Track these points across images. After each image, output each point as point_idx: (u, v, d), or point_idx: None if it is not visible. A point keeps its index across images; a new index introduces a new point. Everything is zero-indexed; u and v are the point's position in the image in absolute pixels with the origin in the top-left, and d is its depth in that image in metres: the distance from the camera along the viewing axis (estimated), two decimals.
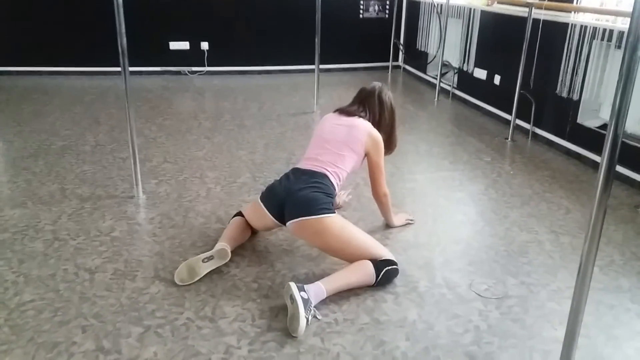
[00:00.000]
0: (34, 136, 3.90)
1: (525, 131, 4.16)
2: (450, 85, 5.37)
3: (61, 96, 5.10)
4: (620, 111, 1.32)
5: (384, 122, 2.55)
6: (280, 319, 1.92)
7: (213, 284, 2.14)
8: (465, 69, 5.10)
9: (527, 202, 2.95)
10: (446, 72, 5.49)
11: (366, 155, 2.42)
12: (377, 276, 2.07)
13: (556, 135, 3.86)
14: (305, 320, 1.83)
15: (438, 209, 2.88)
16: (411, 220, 2.68)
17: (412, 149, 3.86)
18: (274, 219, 2.24)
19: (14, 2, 5.63)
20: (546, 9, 3.75)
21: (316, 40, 4.53)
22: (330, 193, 2.22)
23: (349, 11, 6.39)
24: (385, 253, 2.15)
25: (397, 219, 2.64)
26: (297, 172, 2.32)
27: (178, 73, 6.16)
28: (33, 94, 5.15)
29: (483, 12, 4.75)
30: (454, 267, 2.30)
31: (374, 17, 6.48)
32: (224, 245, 2.21)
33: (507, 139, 4.07)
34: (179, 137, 3.98)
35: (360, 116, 2.47)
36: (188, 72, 6.17)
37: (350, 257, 2.12)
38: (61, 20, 5.71)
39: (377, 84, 2.60)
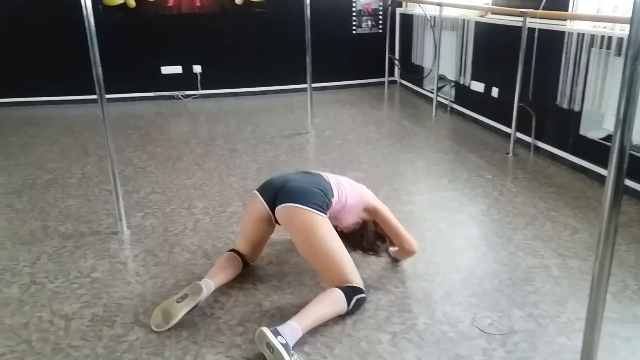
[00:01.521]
0: (20, 170, 3.78)
1: (526, 145, 4.01)
2: (447, 99, 5.24)
3: (51, 126, 5.01)
4: (625, 121, 1.21)
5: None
6: None
7: (195, 328, 2.00)
8: (462, 82, 4.97)
9: (532, 223, 2.80)
10: (443, 86, 5.37)
11: (374, 212, 2.34)
12: (348, 304, 1.98)
13: (559, 148, 3.71)
14: None
15: (437, 233, 2.73)
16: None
17: (409, 168, 3.73)
18: (266, 207, 2.16)
19: (2, 32, 5.56)
20: (541, 17, 3.62)
21: (307, 59, 4.42)
22: (327, 196, 2.13)
23: (342, 28, 6.30)
24: (356, 279, 2.06)
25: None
26: (298, 172, 2.34)
27: (171, 97, 6.07)
28: (23, 125, 5.06)
29: (477, 23, 4.64)
30: (455, 299, 2.14)
31: (368, 33, 6.38)
32: (202, 281, 2.07)
33: (508, 153, 3.92)
34: (169, 165, 3.85)
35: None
36: (181, 96, 6.07)
37: (324, 268, 2.05)
38: (51, 49, 5.64)
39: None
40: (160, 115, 5.47)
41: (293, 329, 1.82)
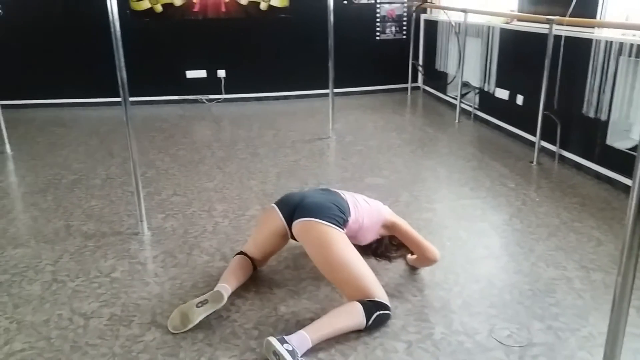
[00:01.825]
0: (46, 170, 3.87)
1: (551, 154, 3.94)
2: (471, 106, 5.19)
3: (78, 128, 5.11)
4: None
5: None
6: None
7: (211, 330, 2.00)
8: (486, 89, 4.91)
9: (555, 233, 2.74)
10: (467, 93, 5.32)
11: (392, 227, 2.33)
12: (368, 320, 1.91)
13: (585, 157, 3.63)
14: None
15: (457, 242, 2.69)
16: None
17: (430, 175, 3.69)
18: (284, 221, 2.16)
19: (33, 34, 5.71)
20: (568, 24, 3.56)
21: (329, 64, 4.43)
22: (344, 212, 2.13)
23: (365, 34, 6.29)
24: (379, 294, 1.98)
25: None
26: (315, 189, 2.36)
27: (195, 101, 6.14)
28: (51, 126, 5.18)
29: (502, 30, 4.58)
30: (473, 310, 2.11)
31: (391, 39, 6.36)
32: (220, 287, 2.08)
33: (532, 162, 3.85)
34: (191, 168, 3.89)
35: None
36: (205, 100, 6.14)
37: (343, 283, 1.99)
38: (80, 52, 5.76)
39: None
40: (184, 118, 5.53)
41: (302, 338, 1.81)
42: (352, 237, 2.19)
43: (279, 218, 2.18)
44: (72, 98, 5.97)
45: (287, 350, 1.71)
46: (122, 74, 2.61)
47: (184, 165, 3.95)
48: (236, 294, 2.22)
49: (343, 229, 2.09)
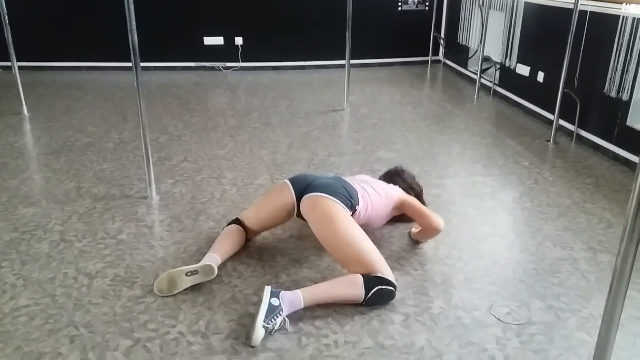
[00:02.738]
0: (61, 132, 3.91)
1: (569, 133, 3.85)
2: (491, 82, 5.07)
3: (95, 92, 5.14)
4: None
5: (415, 191, 2.59)
6: (275, 338, 1.78)
7: (212, 294, 2.03)
8: (507, 64, 4.79)
9: (565, 214, 2.69)
10: (488, 68, 5.19)
11: (402, 205, 2.36)
12: (367, 294, 1.89)
13: (603, 138, 3.54)
14: (263, 329, 1.71)
15: (464, 218, 2.66)
16: None
17: (443, 150, 3.64)
18: (294, 198, 2.18)
19: None
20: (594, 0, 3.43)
21: (347, 34, 4.35)
22: (352, 199, 2.14)
23: (387, 3, 6.15)
24: (384, 270, 1.96)
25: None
26: (329, 175, 2.37)
27: (212, 69, 6.11)
28: (68, 89, 5.22)
29: (527, 4, 4.43)
30: (474, 286, 2.09)
31: (413, 10, 6.22)
32: (211, 258, 2.10)
33: (549, 141, 3.77)
34: (204, 135, 3.90)
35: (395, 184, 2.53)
36: (222, 67, 6.11)
37: (347, 258, 1.99)
38: (99, 15, 5.75)
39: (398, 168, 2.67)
40: (200, 85, 5.52)
41: (295, 297, 1.84)
42: (364, 225, 2.19)
43: (290, 194, 2.20)
44: (91, 62, 5.99)
45: (270, 304, 1.75)
46: (134, 37, 2.59)
47: (196, 132, 3.96)
48: (239, 260, 2.25)
49: (349, 211, 2.10)
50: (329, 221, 2.03)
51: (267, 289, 1.82)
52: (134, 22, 2.57)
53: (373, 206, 2.24)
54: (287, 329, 1.79)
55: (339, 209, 2.05)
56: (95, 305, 1.97)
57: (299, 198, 2.17)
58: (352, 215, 2.13)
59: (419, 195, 2.53)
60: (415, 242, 2.42)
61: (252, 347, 1.72)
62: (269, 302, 1.76)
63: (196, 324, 1.86)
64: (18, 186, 2.98)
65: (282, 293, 1.82)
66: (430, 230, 2.34)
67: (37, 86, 5.20)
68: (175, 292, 2.01)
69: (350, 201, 2.12)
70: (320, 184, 2.17)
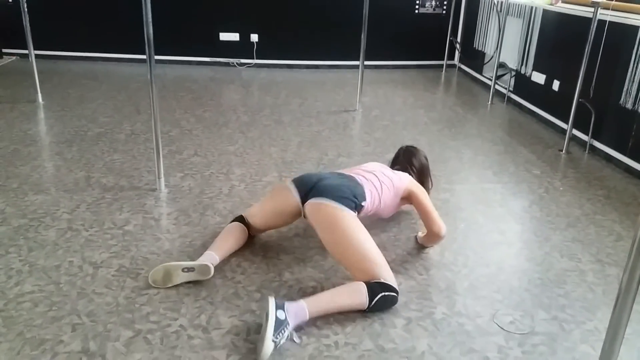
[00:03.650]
0: (74, 121, 3.94)
1: (582, 143, 3.81)
2: (506, 89, 5.03)
3: (109, 83, 5.18)
4: None
5: (424, 174, 2.71)
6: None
7: (215, 289, 2.03)
8: (522, 71, 4.75)
9: (574, 224, 2.66)
10: (503, 75, 5.15)
11: (409, 196, 2.36)
12: (371, 301, 1.87)
13: (616, 150, 3.50)
14: (272, 344, 1.65)
15: (472, 225, 2.64)
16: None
17: (454, 155, 3.61)
18: (299, 199, 2.14)
19: None
20: (614, 9, 3.39)
21: (362, 35, 4.34)
22: (357, 197, 2.12)
23: (405, 6, 6.14)
24: (387, 276, 1.94)
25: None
26: (334, 173, 2.32)
27: (227, 64, 6.13)
28: (83, 79, 5.26)
29: (545, 12, 4.39)
30: (479, 293, 2.08)
31: (430, 13, 6.19)
32: (210, 257, 2.09)
33: (562, 150, 3.73)
34: (215, 130, 3.91)
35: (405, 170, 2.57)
36: (237, 64, 6.13)
37: (350, 263, 1.98)
38: (116, 7, 5.79)
39: (409, 147, 2.77)
40: (214, 80, 5.54)
41: (300, 309, 1.79)
42: (373, 215, 2.23)
43: (293, 196, 2.16)
44: (107, 53, 6.04)
45: (277, 318, 1.69)
46: (149, 30, 2.60)
47: (208, 127, 3.97)
48: (243, 256, 2.25)
49: (354, 212, 2.07)
50: (332, 228, 2.01)
51: (272, 301, 1.74)
52: (150, 15, 2.58)
53: (381, 199, 2.24)
54: (295, 341, 1.75)
55: (342, 215, 2.02)
56: (99, 295, 1.98)
57: (303, 199, 2.14)
58: (359, 212, 2.12)
59: (425, 176, 2.65)
60: (421, 246, 2.40)
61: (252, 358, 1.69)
62: (276, 316, 1.69)
63: (198, 318, 1.87)
64: (29, 173, 3.01)
65: (287, 305, 1.76)
66: (431, 234, 2.33)
67: (52, 75, 5.24)
68: (170, 285, 2.01)
69: (355, 202, 2.10)
70: (323, 187, 2.11)
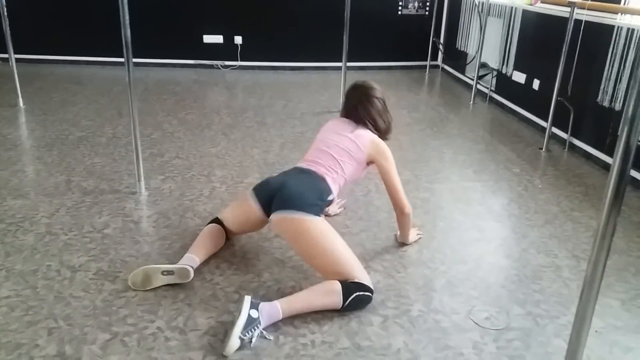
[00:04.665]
0: (55, 125, 3.92)
1: (562, 141, 3.85)
2: (487, 88, 5.08)
3: (92, 86, 5.15)
4: (634, 118, 1.14)
5: (383, 120, 2.43)
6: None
7: (192, 291, 2.03)
8: (504, 71, 4.80)
9: (551, 221, 2.70)
10: (485, 75, 5.20)
11: (373, 163, 2.29)
12: (345, 300, 1.88)
13: (595, 147, 3.55)
14: (238, 340, 1.69)
15: (451, 223, 2.67)
16: (421, 234, 2.50)
17: (435, 155, 3.64)
18: (261, 210, 2.10)
19: None
20: (589, 9, 3.44)
21: (344, 37, 4.37)
22: (322, 198, 2.10)
23: (387, 7, 6.17)
24: (361, 276, 1.95)
25: (332, 208, 2.64)
26: (296, 169, 2.23)
27: (211, 67, 6.12)
28: (66, 83, 5.23)
29: (525, 12, 4.44)
30: (455, 290, 2.10)
31: (413, 14, 6.23)
32: (190, 260, 2.10)
33: (542, 148, 3.78)
34: (197, 132, 3.91)
35: (363, 125, 2.34)
36: (221, 66, 6.12)
37: (323, 268, 1.97)
38: (99, 10, 5.76)
39: (363, 84, 2.46)
40: (198, 83, 5.53)
41: (273, 309, 1.81)
42: (344, 188, 2.24)
43: (255, 206, 2.12)
44: (89, 56, 6.01)
45: (249, 315, 1.73)
46: (127, 32, 2.61)
47: (190, 130, 3.97)
48: (222, 257, 2.25)
49: (320, 215, 2.03)
50: (300, 239, 2.00)
51: (247, 300, 1.78)
52: (127, 17, 2.59)
53: (346, 178, 2.21)
54: (267, 338, 1.77)
55: (307, 226, 1.97)
56: (76, 299, 1.97)
57: (266, 209, 2.09)
58: (329, 205, 2.14)
59: (386, 124, 2.40)
60: (401, 244, 2.42)
61: (225, 356, 1.69)
62: (248, 314, 1.73)
63: (175, 320, 1.87)
64: (8, 178, 2.99)
65: (262, 305, 1.79)
66: (395, 210, 2.29)
67: (34, 79, 5.21)
68: (149, 287, 2.02)
69: (320, 204, 2.07)
70: (286, 196, 2.03)
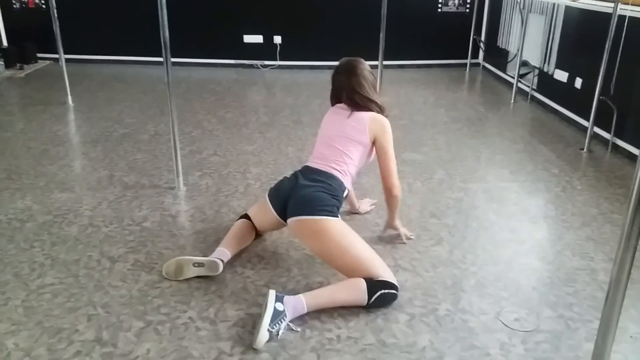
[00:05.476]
0: (101, 123, 4.08)
1: (605, 142, 3.73)
2: (529, 87, 4.97)
3: (137, 85, 5.33)
4: None
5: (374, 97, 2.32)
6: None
7: (224, 284, 2.09)
8: (545, 69, 4.68)
9: (589, 224, 2.63)
10: (527, 73, 5.09)
11: (374, 142, 2.25)
12: (370, 298, 1.89)
13: (639, 148, 3.42)
14: (267, 333, 1.73)
15: (484, 223, 2.64)
16: (374, 204, 2.66)
17: (471, 154, 3.60)
18: (277, 215, 2.17)
19: None
20: (633, 4, 3.32)
21: (381, 34, 4.36)
22: (336, 195, 2.11)
23: (427, 5, 6.12)
24: (385, 274, 1.96)
25: (363, 205, 2.68)
26: (306, 170, 2.24)
27: (251, 66, 6.22)
28: (112, 81, 5.43)
29: (567, 8, 4.32)
30: (485, 291, 2.08)
31: (454, 12, 6.15)
32: (221, 253, 2.15)
33: (583, 149, 3.67)
34: (235, 131, 3.99)
35: (358, 107, 2.27)
36: (260, 65, 6.21)
37: (345, 268, 1.98)
38: (143, 11, 5.95)
39: (351, 64, 2.35)
40: (238, 82, 5.64)
41: (298, 303, 1.84)
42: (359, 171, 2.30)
43: (272, 213, 2.19)
44: (134, 56, 6.20)
45: (275, 309, 1.77)
46: (165, 33, 2.71)
47: (228, 128, 4.06)
48: (254, 252, 2.31)
49: (337, 215, 2.05)
50: (319, 242, 2.02)
51: (272, 293, 1.82)
52: (165, 19, 2.69)
53: (357, 166, 2.24)
54: (295, 330, 1.81)
55: (324, 227, 2.00)
56: (114, 288, 2.07)
57: (282, 213, 2.14)
58: (346, 198, 2.20)
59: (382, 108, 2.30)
60: (392, 229, 2.44)
61: (254, 348, 1.73)
62: (274, 307, 1.78)
63: (206, 311, 1.93)
64: (56, 172, 3.14)
65: (286, 298, 1.83)
66: (385, 192, 2.29)
67: (83, 78, 5.43)
68: (181, 278, 2.09)
69: (334, 203, 2.07)
70: (300, 201, 2.06)
